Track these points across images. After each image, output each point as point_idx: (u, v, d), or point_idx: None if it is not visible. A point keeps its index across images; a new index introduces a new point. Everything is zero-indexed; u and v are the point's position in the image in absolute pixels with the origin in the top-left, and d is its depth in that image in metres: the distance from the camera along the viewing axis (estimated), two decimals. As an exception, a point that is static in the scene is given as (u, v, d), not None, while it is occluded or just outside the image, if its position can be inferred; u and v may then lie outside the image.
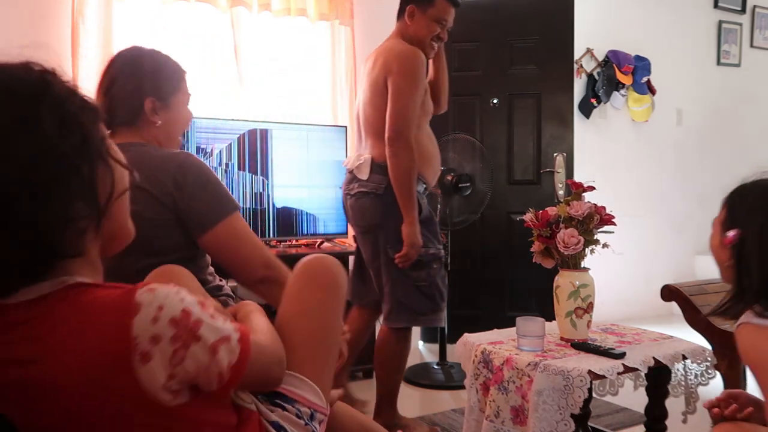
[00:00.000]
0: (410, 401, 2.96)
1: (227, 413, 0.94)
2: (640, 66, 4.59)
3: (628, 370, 1.70)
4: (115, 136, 1.14)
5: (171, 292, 0.79)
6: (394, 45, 2.41)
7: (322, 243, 3.33)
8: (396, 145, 2.25)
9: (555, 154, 3.91)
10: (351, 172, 2.42)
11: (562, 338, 1.91)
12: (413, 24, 2.44)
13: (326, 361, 1.18)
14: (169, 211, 1.45)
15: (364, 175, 2.35)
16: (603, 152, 4.58)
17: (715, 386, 2.07)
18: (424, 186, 2.46)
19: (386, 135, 2.27)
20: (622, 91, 4.58)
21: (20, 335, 0.78)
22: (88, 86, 3.04)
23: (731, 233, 1.30)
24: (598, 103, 4.50)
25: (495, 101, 3.96)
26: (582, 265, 1.89)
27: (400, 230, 2.28)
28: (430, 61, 2.58)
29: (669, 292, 2.72)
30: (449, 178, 3.13)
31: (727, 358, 2.44)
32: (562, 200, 1.98)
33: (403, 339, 2.44)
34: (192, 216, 1.46)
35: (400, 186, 2.26)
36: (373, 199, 2.34)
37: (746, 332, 1.24)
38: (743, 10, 5.19)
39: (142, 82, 1.56)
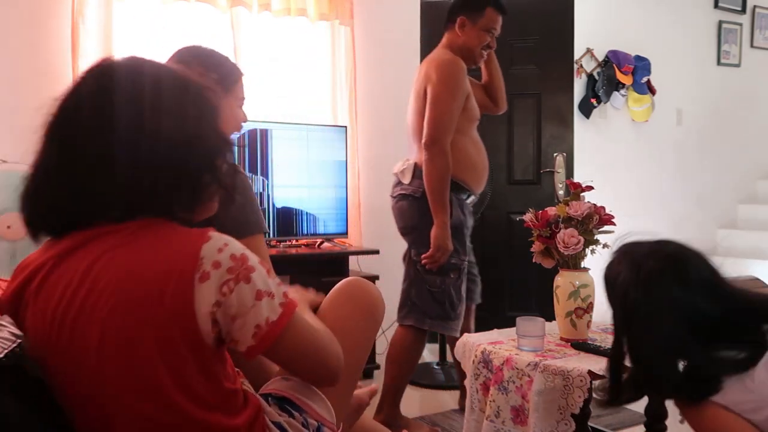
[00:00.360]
0: (410, 401, 2.96)
1: (238, 397, 1.00)
2: (640, 66, 4.59)
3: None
4: None
5: (238, 242, 0.95)
6: (437, 55, 2.48)
7: (322, 243, 3.33)
8: (431, 151, 2.33)
9: (555, 154, 3.90)
10: (396, 176, 2.53)
11: (562, 338, 1.91)
12: (464, 34, 2.48)
13: (347, 381, 1.18)
14: None
15: (407, 179, 2.45)
16: (603, 152, 4.58)
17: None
18: (468, 193, 2.51)
19: (423, 141, 2.35)
20: (622, 91, 4.58)
21: (115, 242, 0.92)
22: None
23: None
24: (598, 103, 4.50)
25: (495, 101, 3.96)
26: (582, 265, 1.89)
27: (429, 234, 2.36)
28: (483, 65, 2.65)
29: (669, 292, 2.72)
30: (449, 178, 3.12)
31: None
32: (561, 200, 1.98)
33: (415, 339, 2.46)
34: (214, 225, 1.44)
35: (432, 190, 2.33)
36: (410, 202, 2.43)
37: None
38: (743, 10, 5.19)
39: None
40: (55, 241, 0.97)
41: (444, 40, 2.54)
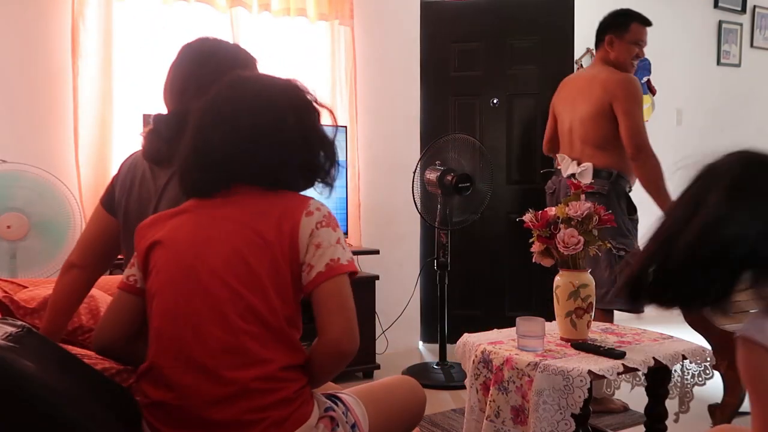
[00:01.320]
0: (410, 401, 2.96)
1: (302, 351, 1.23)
2: (640, 66, 4.57)
3: (628, 370, 1.70)
4: None
5: None
6: (609, 74, 2.76)
7: (322, 243, 3.33)
8: (640, 158, 2.66)
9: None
10: (568, 177, 2.77)
11: (562, 338, 1.91)
12: (614, 51, 2.80)
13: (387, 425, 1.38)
14: None
15: (587, 180, 2.71)
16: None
17: (714, 386, 2.07)
18: (629, 186, 2.83)
19: (628, 152, 2.67)
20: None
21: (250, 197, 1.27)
22: (88, 86, 3.04)
23: None
24: (598, 103, 4.49)
25: (495, 101, 3.96)
26: (582, 265, 1.89)
27: (622, 225, 2.69)
28: None
29: (669, 292, 2.72)
30: (449, 178, 3.13)
31: (727, 358, 2.44)
32: (561, 200, 1.98)
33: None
34: None
35: (653, 189, 2.68)
36: (598, 198, 2.61)
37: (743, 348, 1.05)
38: (743, 10, 5.19)
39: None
40: (201, 200, 1.28)
41: (597, 57, 2.90)
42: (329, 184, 1.36)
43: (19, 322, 1.23)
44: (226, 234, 1.21)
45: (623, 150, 2.69)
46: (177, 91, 1.50)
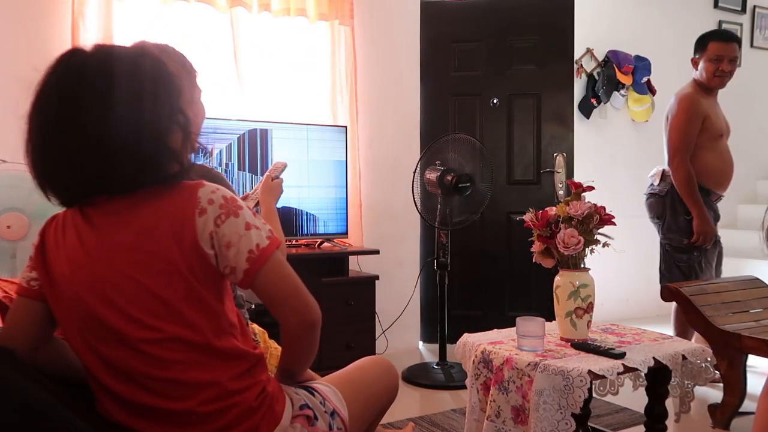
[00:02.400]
0: (410, 401, 2.96)
1: (248, 341, 1.18)
2: (640, 66, 4.59)
3: (628, 370, 1.70)
4: None
5: (227, 190, 1.14)
6: (680, 90, 3.18)
7: (322, 243, 3.33)
8: (672, 164, 3.06)
9: (555, 154, 3.90)
10: (650, 178, 3.25)
11: (562, 338, 1.91)
12: (699, 70, 3.13)
13: (363, 413, 1.34)
14: None
15: (657, 181, 3.18)
16: (603, 152, 4.58)
17: (714, 386, 2.07)
18: (709, 193, 3.10)
19: (666, 158, 3.12)
20: (622, 91, 4.58)
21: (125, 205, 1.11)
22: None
23: None
24: (598, 103, 4.50)
25: (495, 101, 3.96)
26: (582, 265, 1.89)
27: (673, 222, 3.10)
28: None
29: (669, 292, 2.72)
30: (449, 178, 3.13)
31: (727, 358, 2.44)
32: (562, 200, 1.98)
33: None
34: None
35: (683, 193, 3.04)
36: (657, 199, 3.18)
37: None
38: (743, 10, 5.19)
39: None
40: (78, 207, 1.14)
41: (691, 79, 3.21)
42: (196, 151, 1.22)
43: None
44: (121, 267, 1.06)
45: (697, 160, 3.05)
46: None
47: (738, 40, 3.13)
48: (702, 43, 3.10)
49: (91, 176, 1.08)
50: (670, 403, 1.96)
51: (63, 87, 1.13)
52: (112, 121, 1.06)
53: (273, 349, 1.71)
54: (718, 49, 3.04)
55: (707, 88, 3.09)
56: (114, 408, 1.10)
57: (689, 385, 1.91)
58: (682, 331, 2.97)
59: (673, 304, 3.01)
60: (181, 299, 1.07)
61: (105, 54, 1.15)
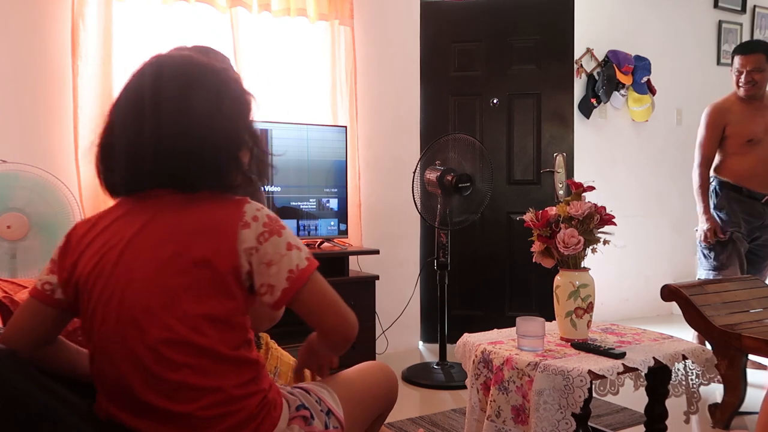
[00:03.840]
0: (410, 401, 2.96)
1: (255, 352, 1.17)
2: (640, 66, 4.59)
3: (628, 370, 1.70)
4: None
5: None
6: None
7: (322, 243, 3.33)
8: (693, 171, 3.38)
9: (555, 154, 3.90)
10: None
11: (562, 338, 1.91)
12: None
13: (360, 414, 1.36)
14: None
15: None
16: (603, 152, 4.58)
17: (714, 386, 2.07)
18: (741, 189, 3.29)
19: None
20: (622, 91, 4.58)
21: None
22: (88, 86, 3.04)
23: None
24: (598, 103, 4.50)
25: (495, 101, 3.96)
26: (582, 265, 1.89)
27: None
28: None
29: (669, 292, 2.73)
30: (449, 178, 3.13)
31: (727, 358, 2.44)
32: (562, 200, 1.98)
33: None
34: None
35: (695, 192, 3.35)
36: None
37: None
38: (743, 10, 5.19)
39: None
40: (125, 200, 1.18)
41: None
42: (261, 182, 1.25)
43: None
44: (158, 264, 1.08)
45: (725, 164, 3.34)
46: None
47: (757, 50, 3.24)
48: (732, 55, 3.34)
49: (157, 171, 1.12)
50: (670, 403, 1.96)
51: (150, 89, 1.14)
52: (192, 124, 1.12)
53: (273, 350, 1.71)
54: (738, 62, 3.26)
55: (742, 96, 3.30)
56: (117, 406, 1.11)
57: (694, 385, 1.91)
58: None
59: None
60: (203, 304, 1.07)
61: (193, 63, 1.18)
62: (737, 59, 3.27)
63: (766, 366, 3.26)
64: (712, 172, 3.36)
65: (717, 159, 3.35)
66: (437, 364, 3.30)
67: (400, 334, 3.72)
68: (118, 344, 1.08)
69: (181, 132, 1.11)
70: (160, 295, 1.07)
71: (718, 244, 3.30)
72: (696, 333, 3.12)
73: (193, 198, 1.13)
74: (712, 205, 3.33)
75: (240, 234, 1.08)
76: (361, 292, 3.22)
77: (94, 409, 1.15)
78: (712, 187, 3.36)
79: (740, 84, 3.27)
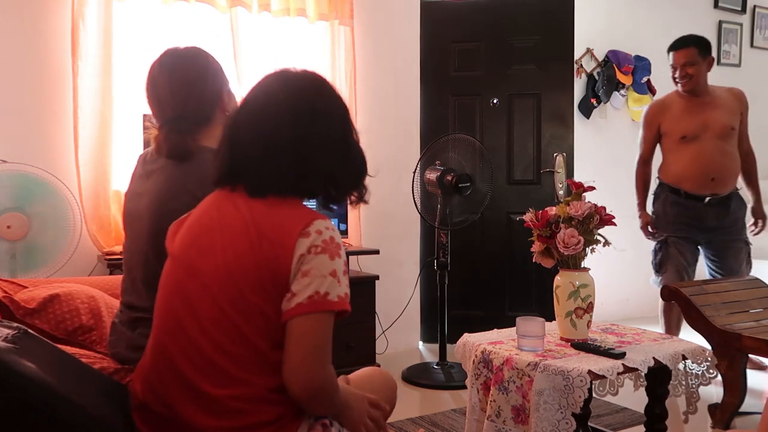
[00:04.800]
0: (410, 401, 2.96)
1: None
2: (640, 66, 4.59)
3: (628, 370, 1.70)
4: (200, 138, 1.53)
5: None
6: None
7: (322, 243, 3.32)
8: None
9: (555, 154, 3.90)
10: None
11: (562, 338, 1.91)
12: None
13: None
14: None
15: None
16: (603, 152, 4.58)
17: (714, 386, 2.07)
18: (679, 191, 3.25)
19: None
20: (622, 91, 4.58)
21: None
22: (88, 86, 3.04)
23: None
24: (598, 103, 4.50)
25: (495, 101, 3.96)
26: (582, 265, 1.89)
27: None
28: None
29: (669, 292, 2.73)
30: (449, 178, 3.13)
31: (727, 358, 2.44)
32: (562, 200, 1.98)
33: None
34: None
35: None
36: None
37: None
38: (743, 10, 5.19)
39: (220, 74, 1.60)
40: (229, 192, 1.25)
41: None
42: (362, 200, 1.31)
43: (15, 324, 1.24)
44: (224, 245, 1.17)
45: (663, 162, 3.36)
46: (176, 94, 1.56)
47: (689, 44, 3.23)
48: (667, 53, 3.32)
49: (280, 171, 1.20)
50: (670, 403, 1.96)
51: (284, 101, 1.23)
52: (326, 143, 1.22)
53: None
54: (672, 58, 3.26)
55: (681, 92, 3.29)
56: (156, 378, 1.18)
57: (694, 385, 1.91)
58: (669, 328, 3.19)
59: (660, 303, 3.17)
60: (255, 295, 1.12)
61: (324, 88, 1.28)
62: (671, 56, 3.25)
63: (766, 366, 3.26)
64: (656, 173, 3.37)
65: (662, 159, 3.36)
66: (437, 364, 3.30)
67: (400, 334, 3.72)
68: (170, 314, 1.18)
69: (317, 144, 1.21)
70: (221, 279, 1.14)
71: (658, 246, 3.30)
72: (662, 319, 3.23)
73: (281, 200, 1.20)
74: (650, 208, 3.36)
75: (297, 241, 1.13)
76: (361, 292, 3.22)
77: (128, 385, 1.24)
78: (652, 189, 3.39)
79: (677, 80, 3.25)
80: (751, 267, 3.28)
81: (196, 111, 1.54)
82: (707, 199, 3.19)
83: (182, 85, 1.55)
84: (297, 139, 1.19)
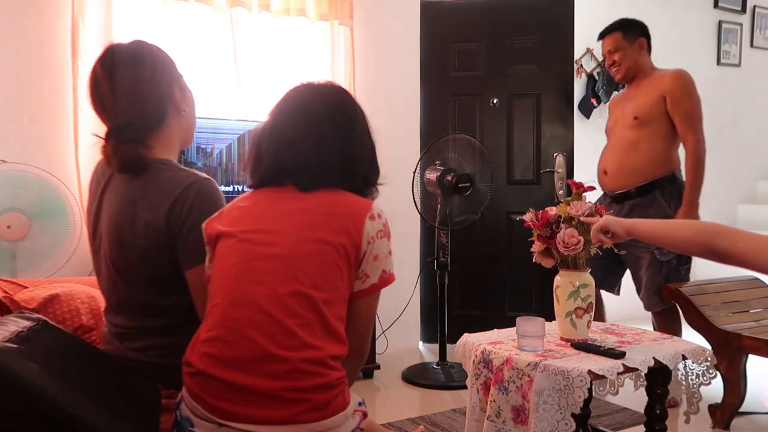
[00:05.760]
0: (410, 401, 2.96)
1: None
2: (640, 66, 4.59)
3: (628, 370, 1.70)
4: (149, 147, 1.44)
5: None
6: None
7: (322, 243, 3.32)
8: None
9: (555, 154, 3.90)
10: None
11: (562, 338, 1.91)
12: None
13: None
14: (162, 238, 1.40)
15: None
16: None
17: (714, 386, 2.07)
18: (603, 194, 3.01)
19: None
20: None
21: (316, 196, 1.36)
22: (88, 85, 3.01)
23: None
24: (598, 103, 4.50)
25: (495, 101, 3.96)
26: (582, 265, 1.89)
27: None
28: None
29: (669, 292, 2.73)
30: (449, 178, 3.13)
31: (727, 358, 2.44)
32: (562, 200, 1.98)
33: None
34: (184, 249, 1.39)
35: None
36: None
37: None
38: (743, 10, 5.19)
39: (169, 70, 1.47)
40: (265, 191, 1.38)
41: None
42: (373, 191, 1.50)
43: (35, 316, 1.23)
44: (291, 228, 1.27)
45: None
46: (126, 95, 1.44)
47: (613, 29, 3.01)
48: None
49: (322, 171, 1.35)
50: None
51: (328, 112, 1.40)
52: (349, 139, 1.41)
53: None
54: (601, 48, 3.10)
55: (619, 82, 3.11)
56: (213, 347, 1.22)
57: (695, 385, 1.90)
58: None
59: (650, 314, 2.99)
60: (327, 274, 1.24)
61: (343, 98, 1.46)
62: (601, 45, 3.06)
63: None
64: None
65: None
66: (437, 364, 3.30)
67: (400, 334, 3.72)
68: (240, 290, 1.24)
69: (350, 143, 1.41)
70: (297, 258, 1.24)
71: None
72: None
73: (331, 191, 1.35)
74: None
75: (366, 224, 1.29)
76: (361, 292, 3.22)
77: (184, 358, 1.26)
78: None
79: (609, 68, 3.05)
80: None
81: (144, 115, 1.41)
82: (602, 196, 2.97)
83: (126, 87, 1.41)
84: (341, 139, 1.37)
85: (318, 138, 1.35)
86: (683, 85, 2.83)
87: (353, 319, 1.31)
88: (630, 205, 2.85)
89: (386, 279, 1.33)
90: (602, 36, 3.05)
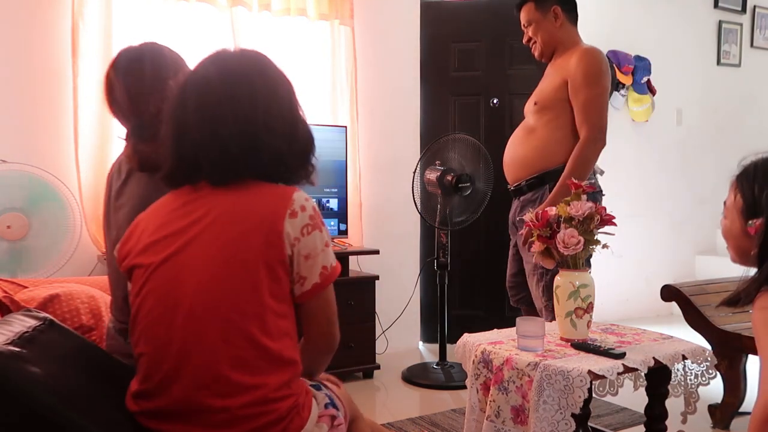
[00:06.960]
0: (410, 401, 2.96)
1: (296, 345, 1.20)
2: (640, 66, 4.59)
3: (628, 370, 1.70)
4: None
5: None
6: None
7: (322, 243, 3.32)
8: None
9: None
10: None
11: (562, 338, 1.91)
12: None
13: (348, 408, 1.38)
14: None
15: None
16: (603, 152, 4.57)
17: (714, 386, 2.07)
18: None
19: None
20: (622, 91, 4.58)
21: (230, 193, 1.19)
22: (88, 86, 3.04)
23: (757, 222, 1.28)
24: (598, 103, 4.49)
25: (495, 101, 3.96)
26: (582, 265, 1.89)
27: None
28: None
29: (669, 292, 2.73)
30: (449, 178, 3.13)
31: (727, 358, 2.44)
32: (562, 200, 1.98)
33: None
34: None
35: None
36: None
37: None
38: (743, 10, 5.19)
39: (182, 70, 1.52)
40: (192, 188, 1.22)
41: None
42: (309, 180, 1.28)
43: (42, 315, 1.23)
44: (205, 253, 1.13)
45: None
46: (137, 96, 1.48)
47: (521, 3, 2.65)
48: None
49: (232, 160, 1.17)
50: (669, 403, 1.96)
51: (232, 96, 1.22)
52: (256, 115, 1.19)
53: None
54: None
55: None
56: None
57: (693, 385, 1.90)
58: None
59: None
60: (254, 294, 1.11)
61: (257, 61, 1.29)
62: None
63: None
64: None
65: None
66: (437, 364, 3.30)
67: (400, 334, 3.72)
68: (169, 337, 1.12)
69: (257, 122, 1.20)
70: (213, 287, 1.11)
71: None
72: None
73: (245, 186, 1.18)
74: None
75: (286, 224, 1.13)
76: (361, 292, 3.22)
77: (126, 404, 1.18)
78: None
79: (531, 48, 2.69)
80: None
81: (159, 115, 1.41)
82: (511, 188, 2.63)
83: (140, 89, 1.45)
84: (240, 120, 1.16)
85: (213, 119, 1.16)
86: (586, 68, 2.46)
87: (311, 321, 1.21)
88: (523, 201, 2.55)
89: (329, 275, 1.18)
90: (516, 11, 2.68)
